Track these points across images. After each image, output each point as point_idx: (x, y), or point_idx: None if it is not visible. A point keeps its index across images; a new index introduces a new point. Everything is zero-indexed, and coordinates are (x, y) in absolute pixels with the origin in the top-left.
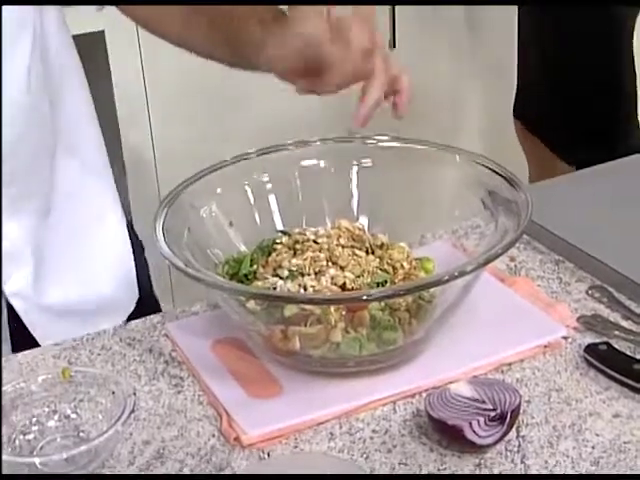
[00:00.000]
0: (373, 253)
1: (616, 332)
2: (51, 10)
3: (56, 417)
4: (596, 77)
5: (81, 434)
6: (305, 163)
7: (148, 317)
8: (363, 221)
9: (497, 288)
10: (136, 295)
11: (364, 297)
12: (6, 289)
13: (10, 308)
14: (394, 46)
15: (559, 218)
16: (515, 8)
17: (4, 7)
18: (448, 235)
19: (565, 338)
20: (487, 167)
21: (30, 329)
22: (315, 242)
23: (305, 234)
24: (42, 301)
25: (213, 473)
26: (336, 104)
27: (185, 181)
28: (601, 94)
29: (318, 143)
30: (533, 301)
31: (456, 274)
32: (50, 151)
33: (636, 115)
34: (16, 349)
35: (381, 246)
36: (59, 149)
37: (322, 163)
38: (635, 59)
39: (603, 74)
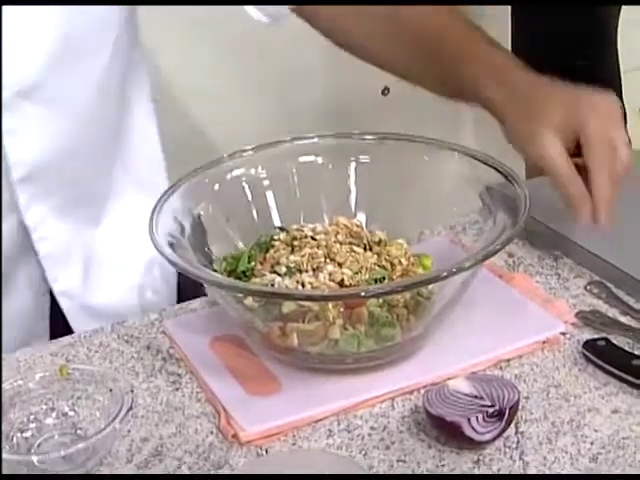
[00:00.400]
0: (371, 249)
1: (615, 328)
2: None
3: (54, 415)
4: (580, 76)
5: (79, 432)
6: (303, 159)
7: (146, 314)
8: (361, 217)
9: (495, 284)
10: (175, 300)
11: (362, 294)
12: (54, 287)
13: (55, 307)
14: None
15: (558, 214)
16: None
17: (90, 6)
18: (446, 231)
19: (563, 334)
20: (485, 163)
21: (73, 327)
22: (313, 238)
23: (303, 230)
24: (88, 301)
25: (211, 470)
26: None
27: (182, 178)
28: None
29: (316, 139)
30: (531, 297)
31: (454, 270)
32: (109, 162)
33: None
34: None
35: (379, 242)
36: (118, 164)
37: (320, 159)
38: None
39: (587, 73)
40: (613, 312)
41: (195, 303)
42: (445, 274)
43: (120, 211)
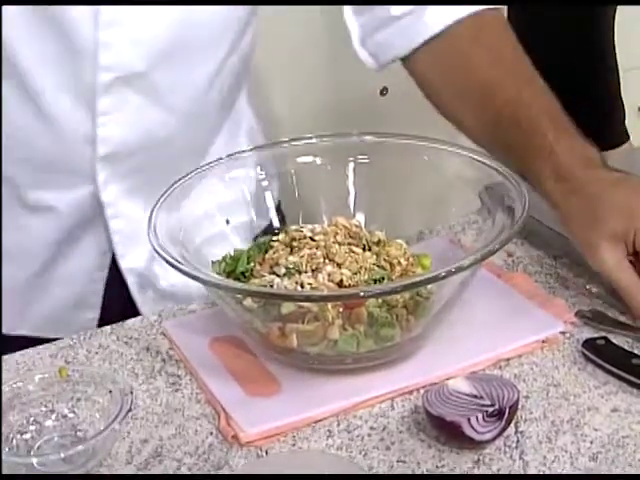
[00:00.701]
0: (370, 250)
1: (614, 327)
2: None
3: (53, 416)
4: (578, 77)
5: (78, 433)
6: (301, 160)
7: (145, 315)
8: (360, 218)
9: (494, 284)
10: None
11: (361, 294)
12: (122, 264)
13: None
14: None
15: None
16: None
17: (209, 6)
18: (445, 231)
19: (563, 333)
20: (484, 163)
21: (138, 304)
22: (312, 239)
23: (302, 231)
24: (153, 280)
25: (211, 471)
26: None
27: (181, 178)
28: (584, 92)
29: (314, 140)
30: (531, 297)
31: (453, 270)
32: (198, 155)
33: (619, 113)
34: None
35: (378, 243)
36: (207, 158)
37: (318, 160)
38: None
39: (585, 72)
40: (612, 311)
41: (194, 304)
42: (444, 274)
43: (194, 199)
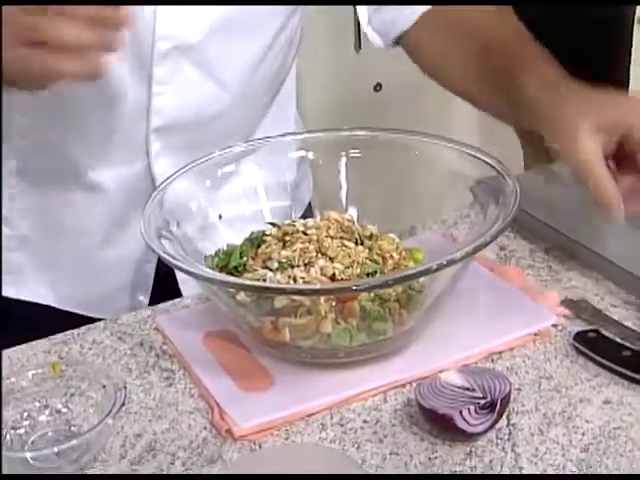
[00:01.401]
0: (362, 244)
1: (604, 319)
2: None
3: (47, 412)
4: (591, 71)
5: (72, 428)
6: (293, 154)
7: (139, 311)
8: (352, 212)
9: (487, 277)
10: None
11: (353, 287)
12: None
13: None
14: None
15: (549, 206)
16: None
17: None
18: (438, 225)
19: (555, 326)
20: (477, 157)
21: (180, 284)
22: (304, 233)
23: (294, 225)
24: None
25: (205, 465)
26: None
27: (174, 173)
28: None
29: (306, 134)
30: (523, 290)
31: (444, 263)
32: (244, 135)
33: None
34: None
35: (370, 237)
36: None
37: (310, 154)
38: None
39: (597, 67)
40: (604, 304)
41: (188, 299)
42: (435, 267)
43: (240, 178)
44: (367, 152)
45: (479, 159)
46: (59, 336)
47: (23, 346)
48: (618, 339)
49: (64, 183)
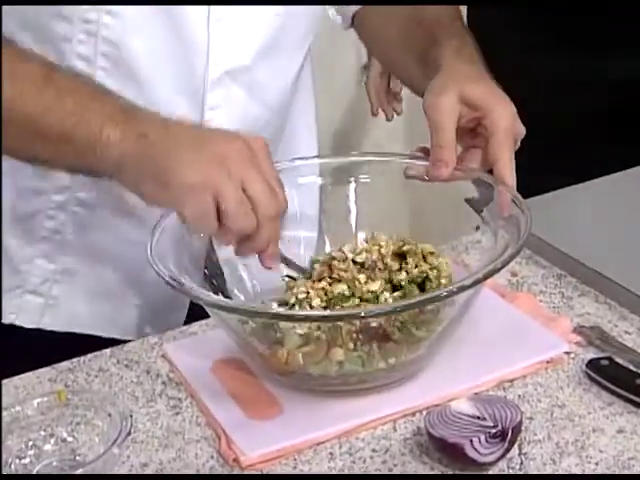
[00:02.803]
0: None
1: (618, 346)
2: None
3: (52, 441)
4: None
5: (78, 457)
6: (302, 180)
7: (145, 338)
8: (361, 237)
9: (498, 304)
10: None
11: (362, 314)
12: (219, 254)
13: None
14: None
15: (562, 232)
16: None
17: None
18: (448, 251)
19: (567, 353)
20: (486, 182)
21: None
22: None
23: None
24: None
25: None
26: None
27: None
28: None
29: (315, 160)
30: (535, 316)
31: (454, 290)
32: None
33: None
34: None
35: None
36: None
37: (319, 180)
38: None
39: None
40: (618, 330)
41: (195, 326)
42: (446, 293)
43: None
44: (376, 178)
45: (489, 184)
46: (65, 364)
47: (29, 374)
48: (632, 366)
49: (107, 213)
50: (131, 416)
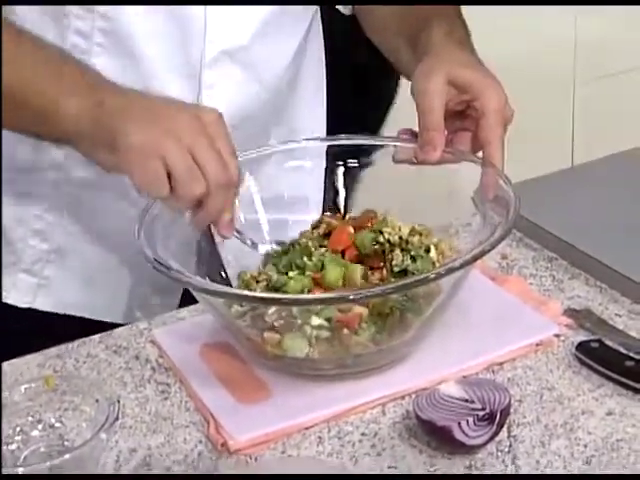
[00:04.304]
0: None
1: (608, 329)
2: None
3: (40, 426)
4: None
5: (66, 443)
6: (291, 164)
7: (134, 324)
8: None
9: (488, 287)
10: None
11: (350, 297)
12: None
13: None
14: None
15: (553, 215)
16: None
17: None
18: (440, 234)
19: (557, 336)
20: (476, 164)
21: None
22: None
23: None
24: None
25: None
26: None
27: None
28: None
29: (304, 143)
30: (525, 299)
31: (442, 272)
32: (275, 130)
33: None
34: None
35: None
36: (283, 130)
37: (308, 163)
38: None
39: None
40: (608, 313)
41: (184, 311)
42: (434, 276)
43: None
44: (365, 161)
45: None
46: (53, 350)
47: (17, 360)
48: (622, 349)
49: (101, 193)
50: (119, 401)
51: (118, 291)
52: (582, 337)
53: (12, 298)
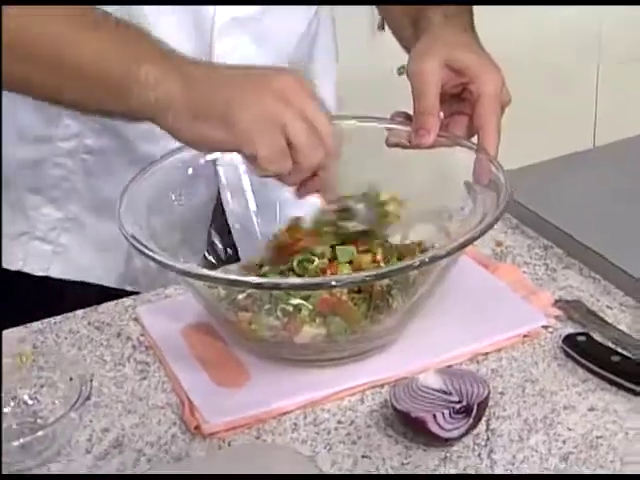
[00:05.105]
0: None
1: (597, 321)
2: None
3: (13, 403)
4: None
5: (39, 420)
6: None
7: (120, 300)
8: None
9: (479, 274)
10: None
11: (332, 283)
12: (227, 209)
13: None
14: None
15: (550, 202)
16: None
17: None
18: (432, 218)
19: (545, 327)
20: (470, 149)
21: (240, 253)
22: None
23: None
24: (254, 229)
25: (171, 463)
26: None
27: (155, 160)
28: None
29: None
30: (516, 288)
31: (426, 260)
32: None
33: None
34: None
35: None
36: None
37: None
38: None
39: None
40: (600, 305)
41: (170, 289)
42: (418, 263)
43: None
44: (359, 143)
45: (473, 151)
46: (35, 324)
47: None
48: (610, 343)
49: (115, 161)
50: (91, 380)
51: (132, 259)
52: (570, 329)
53: (28, 267)
